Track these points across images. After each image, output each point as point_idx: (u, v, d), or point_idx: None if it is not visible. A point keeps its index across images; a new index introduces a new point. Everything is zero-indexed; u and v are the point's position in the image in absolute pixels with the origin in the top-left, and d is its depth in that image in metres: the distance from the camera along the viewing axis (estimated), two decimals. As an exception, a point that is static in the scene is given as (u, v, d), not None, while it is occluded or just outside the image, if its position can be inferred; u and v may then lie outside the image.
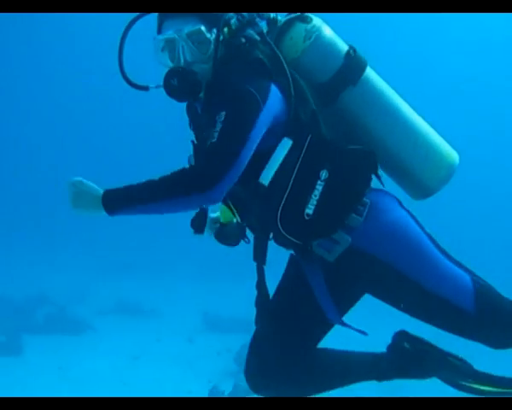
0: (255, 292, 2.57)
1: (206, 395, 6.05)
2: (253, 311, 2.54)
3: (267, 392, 2.58)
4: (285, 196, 2.33)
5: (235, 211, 2.44)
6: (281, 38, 2.45)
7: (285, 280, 2.61)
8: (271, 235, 2.51)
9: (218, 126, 2.18)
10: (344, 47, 2.47)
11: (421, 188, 2.54)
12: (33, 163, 22.29)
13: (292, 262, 2.61)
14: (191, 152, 2.50)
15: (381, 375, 2.53)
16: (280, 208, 2.34)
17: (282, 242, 2.50)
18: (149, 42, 2.40)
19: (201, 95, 2.39)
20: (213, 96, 2.33)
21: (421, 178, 2.50)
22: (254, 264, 2.56)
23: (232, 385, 6.16)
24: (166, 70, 2.36)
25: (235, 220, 2.54)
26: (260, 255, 2.54)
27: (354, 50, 2.47)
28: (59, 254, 14.15)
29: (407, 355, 2.50)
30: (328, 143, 2.38)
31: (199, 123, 2.46)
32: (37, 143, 22.64)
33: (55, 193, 7.48)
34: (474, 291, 2.39)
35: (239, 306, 10.00)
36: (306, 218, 2.33)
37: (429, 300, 2.37)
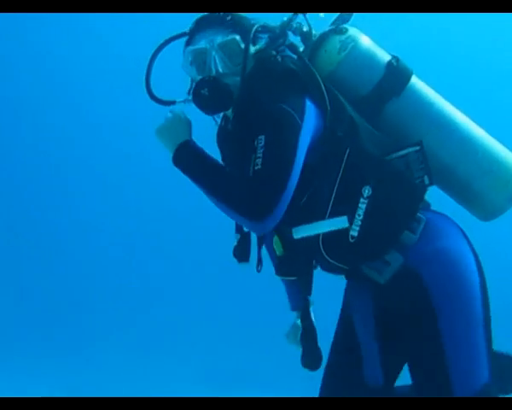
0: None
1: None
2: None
3: None
4: (326, 217, 2.15)
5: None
6: (315, 52, 2.29)
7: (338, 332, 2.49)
8: (315, 262, 2.36)
9: (260, 152, 2.01)
10: (384, 57, 2.29)
11: (486, 207, 2.28)
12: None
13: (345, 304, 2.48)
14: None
15: None
16: (322, 232, 2.17)
17: (327, 268, 2.33)
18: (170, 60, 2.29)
19: (229, 112, 2.25)
20: (245, 115, 2.18)
21: (485, 195, 2.25)
22: None
23: None
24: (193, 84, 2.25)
25: None
26: (305, 287, 2.40)
27: (397, 60, 2.28)
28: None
29: None
30: (370, 156, 2.17)
31: (230, 142, 2.31)
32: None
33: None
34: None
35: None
36: (351, 240, 2.14)
37: (437, 370, 2.12)
